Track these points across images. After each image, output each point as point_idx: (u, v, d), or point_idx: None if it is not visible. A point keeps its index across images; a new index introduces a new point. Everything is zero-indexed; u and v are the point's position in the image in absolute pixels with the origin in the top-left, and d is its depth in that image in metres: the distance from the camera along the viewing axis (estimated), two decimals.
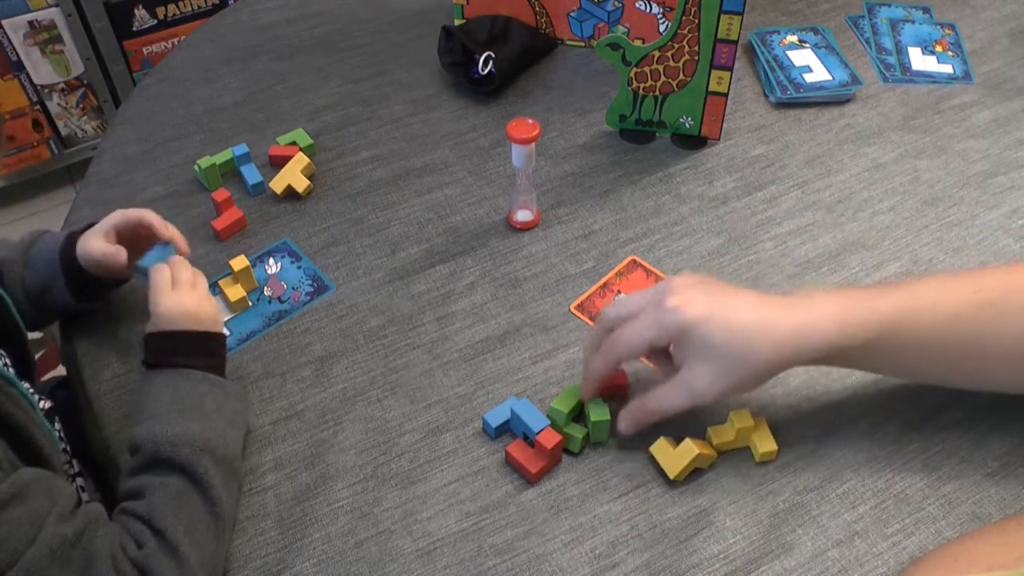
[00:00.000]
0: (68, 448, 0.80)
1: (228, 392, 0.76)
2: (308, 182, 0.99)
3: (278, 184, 0.98)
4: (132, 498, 0.68)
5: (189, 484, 0.68)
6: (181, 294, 0.78)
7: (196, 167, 1.00)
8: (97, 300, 0.86)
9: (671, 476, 0.74)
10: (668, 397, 0.73)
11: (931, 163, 1.03)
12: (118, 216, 0.83)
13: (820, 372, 0.82)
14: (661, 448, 0.75)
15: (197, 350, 0.76)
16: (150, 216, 0.83)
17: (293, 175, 0.98)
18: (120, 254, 0.81)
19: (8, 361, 0.76)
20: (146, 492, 0.67)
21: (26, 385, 0.73)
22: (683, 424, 0.79)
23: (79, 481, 0.82)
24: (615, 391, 0.81)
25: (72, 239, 0.83)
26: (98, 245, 0.81)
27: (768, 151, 1.05)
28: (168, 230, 0.83)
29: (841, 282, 0.90)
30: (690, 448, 0.73)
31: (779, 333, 0.69)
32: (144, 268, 0.81)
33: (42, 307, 0.84)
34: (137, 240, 0.83)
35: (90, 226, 0.83)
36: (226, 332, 0.80)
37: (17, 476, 0.62)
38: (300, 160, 0.99)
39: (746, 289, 0.74)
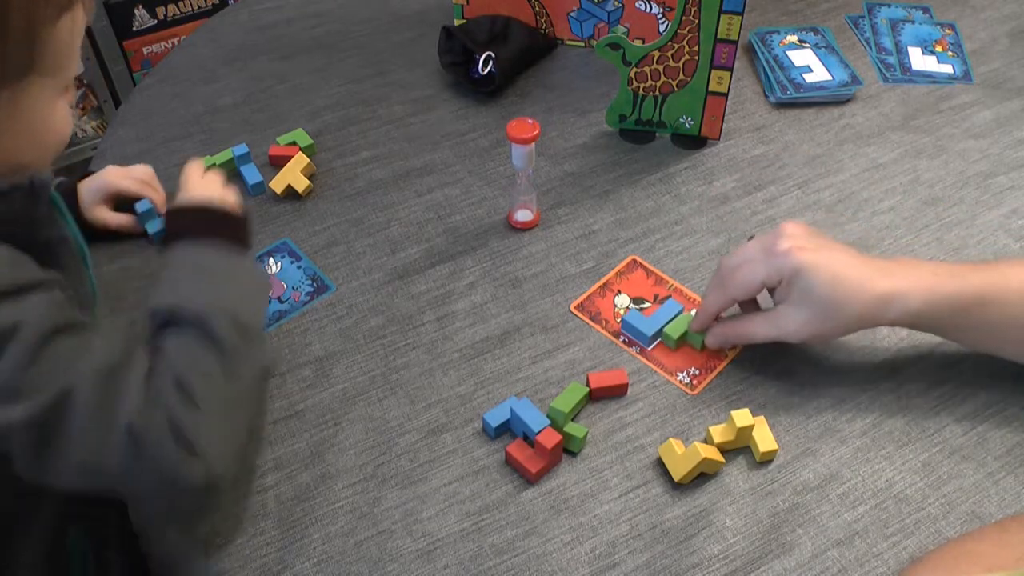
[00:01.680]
0: None
1: (247, 265, 0.76)
2: (308, 182, 0.99)
3: (278, 184, 0.98)
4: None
5: (202, 338, 0.67)
6: (212, 183, 0.83)
7: None
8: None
9: (676, 479, 0.74)
10: (758, 326, 0.79)
11: (931, 163, 1.03)
12: (114, 182, 0.92)
13: (820, 371, 0.82)
14: (668, 449, 0.75)
15: (223, 225, 0.77)
16: (143, 184, 0.94)
17: (293, 175, 0.98)
18: (134, 224, 0.93)
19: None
20: (162, 346, 0.67)
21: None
22: (686, 426, 0.79)
23: None
24: (615, 391, 0.81)
25: (71, 190, 0.90)
26: (111, 217, 0.92)
27: (768, 151, 1.05)
28: (158, 194, 0.94)
29: None
30: (696, 452, 0.73)
31: (873, 293, 0.74)
32: (142, 212, 0.93)
33: None
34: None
35: (82, 177, 0.93)
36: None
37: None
38: (300, 160, 0.99)
39: (845, 245, 0.79)
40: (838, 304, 0.74)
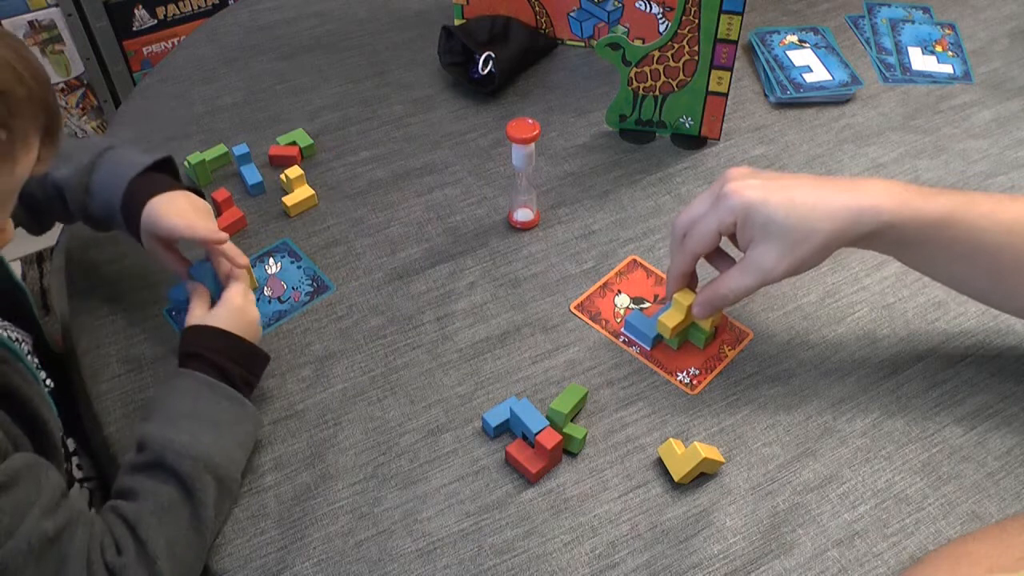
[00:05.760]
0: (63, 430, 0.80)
1: (248, 414, 0.75)
2: (312, 191, 0.98)
3: (291, 204, 0.97)
4: (124, 497, 0.68)
5: (182, 497, 0.68)
6: (253, 306, 0.80)
7: (186, 163, 0.99)
8: None
9: (676, 479, 0.74)
10: (738, 278, 0.76)
11: (931, 163, 1.03)
12: (187, 232, 0.80)
13: (820, 371, 0.82)
14: (668, 449, 0.75)
15: (242, 360, 0.76)
16: (221, 247, 0.81)
17: (303, 193, 0.97)
18: (183, 267, 0.83)
19: (21, 338, 0.77)
20: (139, 496, 0.67)
21: (33, 360, 0.74)
22: (686, 426, 0.79)
23: (75, 460, 0.83)
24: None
25: (135, 200, 0.80)
26: (165, 255, 0.83)
27: (768, 151, 1.05)
28: (239, 260, 0.81)
29: (840, 282, 0.90)
30: (696, 452, 0.73)
31: (836, 208, 0.72)
32: (193, 276, 0.82)
33: (103, 227, 0.87)
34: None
35: (153, 172, 0.83)
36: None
37: (9, 463, 0.62)
38: (300, 180, 0.98)
39: (797, 174, 0.77)
40: (805, 226, 0.72)
